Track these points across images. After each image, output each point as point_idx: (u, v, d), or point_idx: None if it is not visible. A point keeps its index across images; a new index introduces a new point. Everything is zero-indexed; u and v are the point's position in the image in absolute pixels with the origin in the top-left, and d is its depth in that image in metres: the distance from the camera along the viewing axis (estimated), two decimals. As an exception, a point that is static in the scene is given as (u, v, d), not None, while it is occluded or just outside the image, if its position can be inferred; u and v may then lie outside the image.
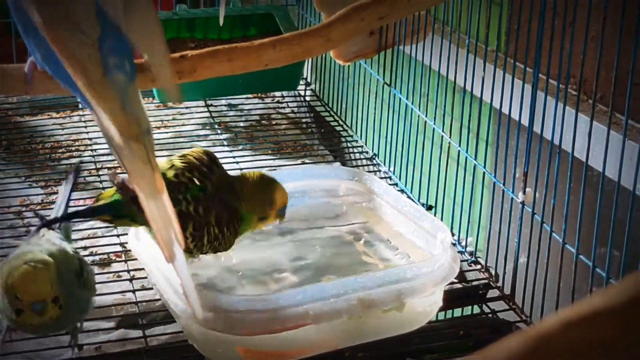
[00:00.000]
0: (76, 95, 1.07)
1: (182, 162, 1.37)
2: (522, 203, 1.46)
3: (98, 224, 1.73)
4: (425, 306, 1.37)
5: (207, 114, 2.25)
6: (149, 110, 2.24)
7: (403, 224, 1.54)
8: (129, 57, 1.06)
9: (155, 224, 1.08)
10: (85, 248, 1.65)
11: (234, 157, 1.99)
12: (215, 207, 1.35)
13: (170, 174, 1.34)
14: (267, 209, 1.42)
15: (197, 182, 1.35)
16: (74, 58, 1.01)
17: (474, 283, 1.53)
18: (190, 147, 2.02)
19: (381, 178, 1.74)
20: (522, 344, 0.55)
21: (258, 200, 1.41)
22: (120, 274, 1.56)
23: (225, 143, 2.10)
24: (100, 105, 1.01)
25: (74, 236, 1.69)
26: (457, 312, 1.57)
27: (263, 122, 2.26)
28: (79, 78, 1.01)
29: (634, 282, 0.55)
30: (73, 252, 1.33)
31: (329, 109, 2.29)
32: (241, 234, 1.41)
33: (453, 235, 1.60)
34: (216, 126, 2.20)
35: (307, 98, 2.38)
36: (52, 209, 1.73)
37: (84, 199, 1.83)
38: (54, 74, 1.06)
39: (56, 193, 1.85)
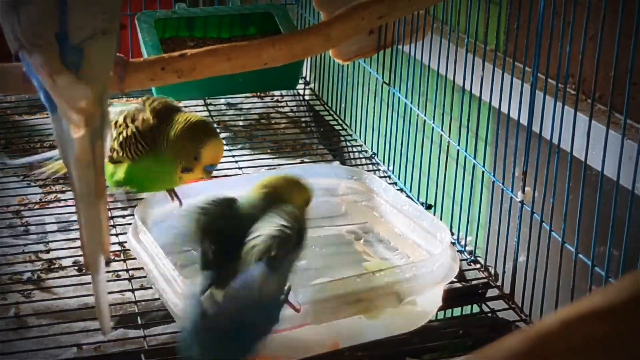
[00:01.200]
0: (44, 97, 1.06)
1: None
2: (522, 202, 1.46)
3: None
4: (425, 306, 1.37)
5: (206, 113, 2.25)
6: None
7: (402, 223, 1.54)
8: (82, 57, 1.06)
9: (85, 229, 1.06)
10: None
11: (233, 156, 1.99)
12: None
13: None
14: (191, 160, 1.39)
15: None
16: (37, 63, 1.02)
17: (474, 282, 1.53)
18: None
19: (380, 177, 1.74)
20: (522, 342, 0.55)
21: (183, 146, 1.40)
22: (119, 273, 1.56)
23: (224, 142, 2.10)
24: (58, 94, 1.00)
25: (72, 235, 1.69)
26: (457, 311, 1.57)
27: (262, 121, 2.26)
28: (44, 78, 1.01)
29: (633, 281, 0.55)
30: None
31: (328, 108, 2.29)
32: (157, 176, 1.42)
33: (452, 234, 1.60)
34: (215, 125, 2.20)
35: (307, 97, 2.38)
36: (49, 207, 1.74)
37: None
38: (29, 74, 1.07)
39: (54, 192, 1.86)
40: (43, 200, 1.83)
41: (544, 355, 0.54)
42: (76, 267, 1.59)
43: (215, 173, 1.86)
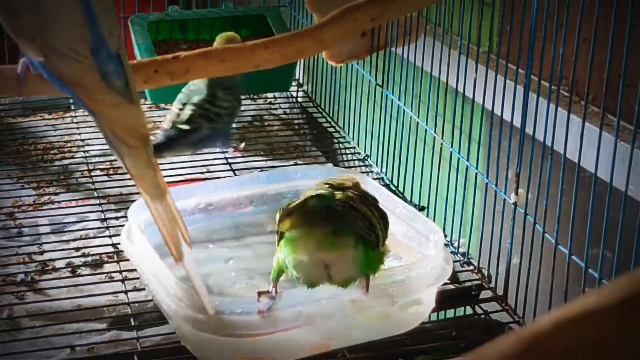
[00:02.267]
0: (74, 99, 1.08)
1: None
2: (515, 204, 1.46)
3: (90, 224, 1.73)
4: (418, 307, 1.37)
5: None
6: (141, 111, 2.24)
7: (395, 225, 1.54)
8: (120, 63, 1.06)
9: (162, 224, 1.09)
10: (77, 249, 1.65)
11: (225, 158, 1.99)
12: None
13: None
14: None
15: None
16: (69, 75, 1.01)
17: (467, 284, 1.53)
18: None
19: (373, 179, 1.74)
20: (515, 344, 0.55)
21: None
22: (113, 275, 1.56)
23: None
24: (103, 111, 1.01)
25: (65, 237, 1.69)
26: (450, 313, 1.57)
27: (255, 123, 2.26)
28: (77, 91, 1.01)
29: (627, 282, 0.55)
30: None
31: (321, 110, 2.29)
32: None
33: (445, 236, 1.60)
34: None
35: (300, 99, 2.38)
36: (43, 209, 1.74)
37: (76, 199, 1.83)
38: (50, 80, 1.06)
39: (48, 194, 1.86)
40: (37, 202, 1.83)
41: (537, 356, 0.54)
42: (69, 269, 1.59)
43: (208, 175, 1.87)
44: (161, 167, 1.86)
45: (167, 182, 1.57)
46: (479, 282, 1.53)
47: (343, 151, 2.10)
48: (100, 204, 1.80)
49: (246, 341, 1.25)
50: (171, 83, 1.12)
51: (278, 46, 1.15)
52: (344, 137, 2.14)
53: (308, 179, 1.63)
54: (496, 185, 1.52)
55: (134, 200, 1.56)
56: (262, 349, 1.27)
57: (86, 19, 1.02)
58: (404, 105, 1.83)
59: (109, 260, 1.62)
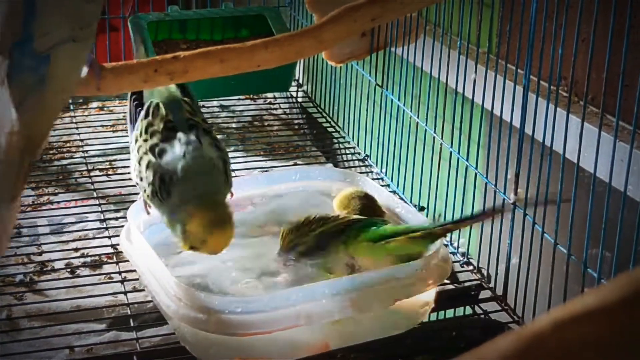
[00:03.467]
0: None
1: None
2: (514, 204, 1.46)
3: (89, 225, 1.73)
4: (417, 307, 1.37)
5: (199, 116, 2.25)
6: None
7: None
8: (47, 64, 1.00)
9: None
10: (76, 250, 1.65)
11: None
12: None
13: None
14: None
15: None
16: None
17: (466, 284, 1.53)
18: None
19: (373, 179, 1.74)
20: (515, 343, 0.55)
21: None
22: (112, 275, 1.56)
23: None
24: None
25: (64, 237, 1.69)
26: (450, 313, 1.57)
27: (255, 123, 2.26)
28: None
29: (626, 281, 0.55)
30: None
31: (321, 110, 2.29)
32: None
33: (445, 236, 1.60)
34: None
35: (299, 99, 2.38)
36: (41, 209, 1.74)
37: (75, 200, 1.83)
38: None
39: (47, 194, 1.86)
40: (35, 202, 1.83)
41: (537, 356, 0.54)
42: (69, 270, 1.59)
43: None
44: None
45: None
46: (479, 282, 1.53)
47: (343, 151, 2.10)
48: (99, 205, 1.80)
49: (246, 340, 1.25)
50: (170, 83, 1.12)
51: (278, 46, 1.14)
52: (343, 137, 2.14)
53: (308, 180, 1.63)
54: (495, 186, 1.52)
55: (133, 201, 1.56)
56: (262, 349, 1.27)
57: (22, 14, 0.99)
58: (404, 105, 1.83)
59: (109, 260, 1.61)
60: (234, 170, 1.90)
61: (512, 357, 0.54)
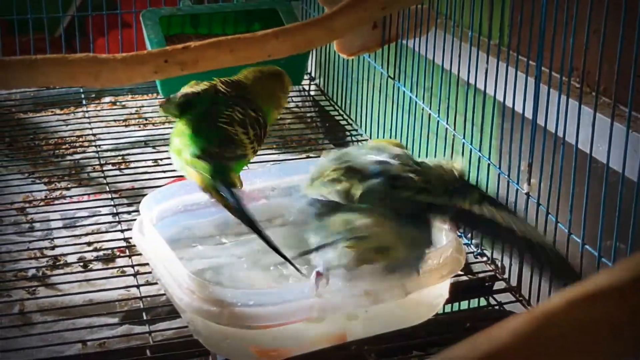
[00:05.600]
0: None
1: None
2: (527, 194, 1.45)
3: (102, 219, 1.73)
4: (432, 299, 1.36)
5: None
6: (152, 105, 2.25)
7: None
8: None
9: None
10: (89, 244, 1.65)
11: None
12: (248, 106, 1.42)
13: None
14: (280, 97, 1.50)
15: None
16: None
17: (480, 275, 1.53)
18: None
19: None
20: (527, 323, 0.55)
21: (269, 92, 1.46)
22: (125, 269, 1.56)
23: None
24: None
25: (77, 232, 1.69)
26: (464, 304, 1.56)
27: (267, 117, 2.26)
28: None
29: (638, 263, 0.55)
30: None
31: (333, 103, 2.29)
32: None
33: (458, 227, 1.60)
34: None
35: (312, 92, 2.38)
36: (54, 204, 1.74)
37: (88, 194, 1.84)
38: None
39: (60, 189, 1.86)
40: (48, 197, 1.83)
41: (549, 335, 0.54)
42: (81, 264, 1.60)
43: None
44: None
45: (179, 177, 1.58)
46: (493, 273, 1.53)
47: (355, 143, 2.10)
48: (112, 199, 1.80)
49: (259, 333, 1.25)
50: (181, 73, 1.12)
51: (289, 35, 1.14)
52: (356, 130, 2.14)
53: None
54: (509, 176, 1.51)
55: (145, 194, 1.56)
56: (275, 341, 1.27)
57: None
58: (416, 97, 1.83)
59: (121, 254, 1.62)
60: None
61: (525, 336, 0.54)
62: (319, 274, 1.24)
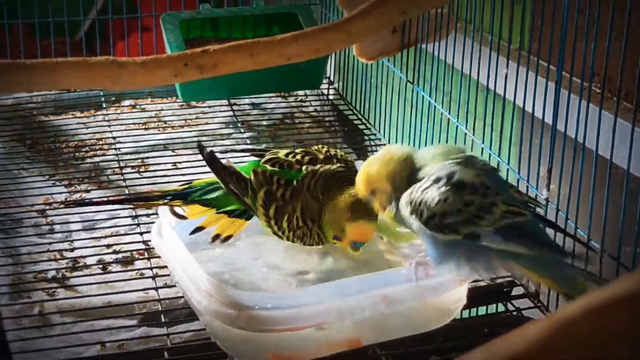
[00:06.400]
0: None
1: (303, 151, 1.45)
2: (547, 199, 1.45)
3: (121, 222, 1.74)
4: (449, 304, 1.36)
5: (231, 113, 2.25)
6: (172, 109, 2.25)
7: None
8: None
9: None
10: (108, 246, 1.66)
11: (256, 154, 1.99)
12: (303, 199, 1.39)
13: (283, 153, 1.44)
14: (339, 231, 1.37)
15: (297, 169, 1.41)
16: None
17: (499, 281, 1.52)
18: (214, 146, 2.04)
19: (404, 176, 1.73)
20: (544, 329, 0.54)
21: (336, 217, 1.37)
22: (143, 271, 1.57)
23: (248, 141, 2.10)
24: None
25: (96, 234, 1.70)
26: (482, 310, 1.56)
27: (286, 120, 2.26)
28: None
29: None
30: None
31: (352, 108, 2.29)
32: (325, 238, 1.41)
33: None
34: (239, 125, 2.20)
35: (330, 97, 2.38)
36: (74, 206, 1.75)
37: (107, 197, 1.84)
38: None
39: (79, 191, 1.87)
40: (68, 199, 1.84)
41: (566, 342, 0.53)
42: (100, 266, 1.60)
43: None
44: (192, 165, 1.88)
45: (200, 179, 1.59)
46: (511, 278, 1.52)
47: (374, 148, 2.10)
48: (131, 202, 1.80)
49: (276, 336, 1.25)
50: (201, 76, 1.12)
51: (308, 39, 1.14)
52: (374, 134, 2.13)
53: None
54: (528, 181, 1.51)
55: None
56: (293, 345, 1.27)
57: None
58: (435, 102, 1.83)
59: (140, 257, 1.62)
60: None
61: (542, 343, 0.53)
62: (418, 264, 1.28)
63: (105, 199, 1.82)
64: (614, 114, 1.29)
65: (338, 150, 1.48)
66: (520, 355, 0.55)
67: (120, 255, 1.63)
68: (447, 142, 1.76)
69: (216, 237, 1.42)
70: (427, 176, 1.25)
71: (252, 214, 1.43)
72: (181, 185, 1.49)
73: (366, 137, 2.16)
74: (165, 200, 1.44)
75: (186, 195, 1.45)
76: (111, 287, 1.54)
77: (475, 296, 1.43)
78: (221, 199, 1.44)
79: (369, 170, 1.30)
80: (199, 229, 1.42)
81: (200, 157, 1.95)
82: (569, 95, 1.38)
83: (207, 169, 1.90)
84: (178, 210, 1.45)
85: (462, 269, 1.24)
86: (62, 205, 1.79)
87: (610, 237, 1.31)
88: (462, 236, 1.21)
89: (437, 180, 1.23)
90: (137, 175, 1.95)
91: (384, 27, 1.18)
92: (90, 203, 1.67)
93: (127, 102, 2.32)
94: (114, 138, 2.11)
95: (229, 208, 1.43)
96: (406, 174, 1.28)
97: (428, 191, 1.23)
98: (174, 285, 1.45)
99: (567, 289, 1.22)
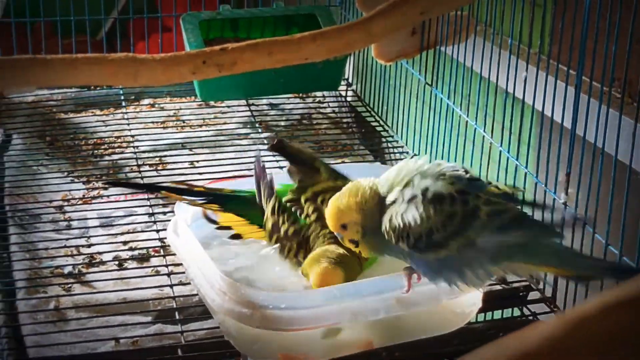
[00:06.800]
0: None
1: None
2: (565, 204, 1.44)
3: (138, 219, 1.74)
4: (465, 307, 1.35)
5: (249, 113, 2.26)
6: (190, 108, 2.26)
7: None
8: None
9: None
10: (124, 243, 1.66)
11: (274, 155, 1.99)
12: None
13: (307, 195, 1.41)
14: (354, 266, 1.35)
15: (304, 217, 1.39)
16: None
17: (515, 285, 1.51)
18: (231, 145, 2.04)
19: (421, 179, 1.73)
20: (558, 327, 0.54)
21: (305, 264, 1.36)
22: (159, 269, 1.57)
23: (265, 142, 2.11)
24: None
25: (113, 231, 1.71)
26: (497, 314, 1.55)
27: (304, 121, 2.27)
28: None
29: None
30: None
31: (370, 109, 2.29)
32: None
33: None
34: (257, 125, 2.20)
35: (349, 98, 2.37)
36: (92, 203, 1.76)
37: (125, 194, 1.85)
38: None
39: (97, 188, 1.87)
40: (86, 196, 1.84)
41: (580, 340, 0.53)
42: (116, 262, 1.61)
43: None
44: (210, 164, 1.88)
45: (216, 179, 1.59)
46: (527, 283, 1.52)
47: (391, 150, 2.10)
48: (148, 199, 1.81)
49: (289, 336, 1.25)
50: (219, 74, 1.12)
51: (326, 39, 1.14)
52: (392, 136, 2.13)
53: (355, 178, 1.63)
54: (546, 185, 1.50)
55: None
56: (306, 345, 1.27)
57: None
58: (454, 104, 1.82)
59: (156, 254, 1.63)
60: (281, 168, 1.91)
61: (555, 340, 0.53)
62: (410, 271, 1.25)
63: (122, 196, 1.83)
64: (634, 119, 1.28)
65: None
66: (531, 353, 0.54)
67: (136, 252, 1.63)
68: (464, 145, 1.76)
69: (235, 236, 1.42)
70: (399, 198, 1.21)
71: None
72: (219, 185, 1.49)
73: (384, 140, 2.16)
74: (202, 202, 1.44)
75: (224, 203, 1.44)
76: (126, 284, 1.54)
77: (491, 300, 1.43)
78: (257, 217, 1.43)
79: (338, 204, 1.27)
80: (236, 237, 1.44)
81: (216, 156, 1.97)
82: (588, 99, 1.37)
83: (226, 167, 1.93)
84: (210, 214, 1.45)
85: (455, 283, 1.21)
86: (101, 184, 1.86)
87: (629, 242, 1.30)
88: (455, 250, 1.18)
89: (411, 199, 1.20)
90: (154, 173, 1.95)
91: (403, 27, 1.18)
92: (127, 184, 1.78)
93: (146, 101, 2.32)
94: (132, 136, 2.12)
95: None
96: (375, 201, 1.24)
97: (407, 213, 1.19)
98: (189, 283, 1.46)
99: (565, 268, 1.20)
